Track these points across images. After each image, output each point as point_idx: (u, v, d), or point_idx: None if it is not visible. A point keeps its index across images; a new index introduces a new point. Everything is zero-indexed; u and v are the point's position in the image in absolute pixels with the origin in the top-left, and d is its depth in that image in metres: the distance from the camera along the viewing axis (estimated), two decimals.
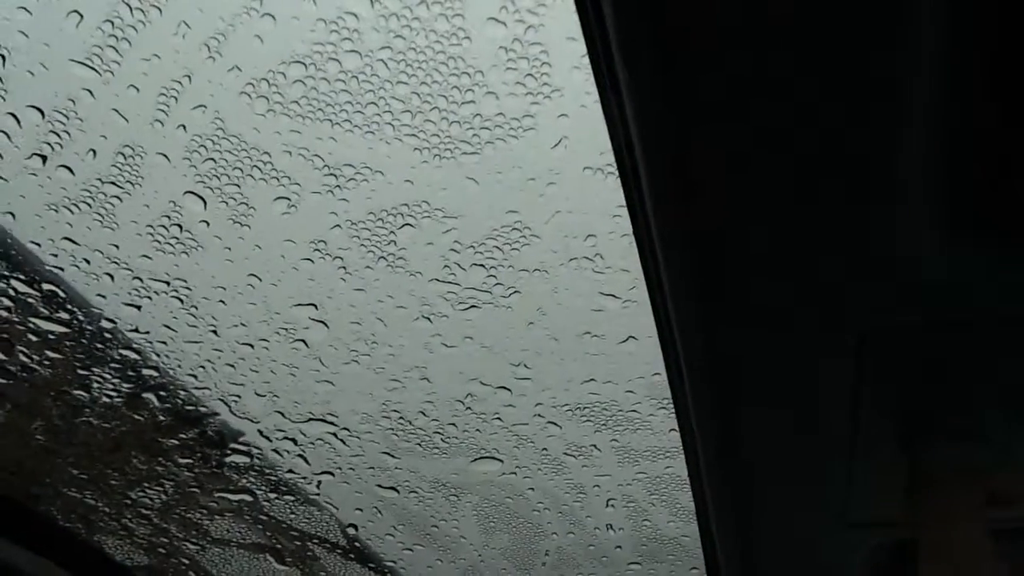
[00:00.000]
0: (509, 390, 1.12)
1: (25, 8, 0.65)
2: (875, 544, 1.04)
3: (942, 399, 0.81)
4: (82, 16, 0.66)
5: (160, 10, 0.65)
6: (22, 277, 0.91)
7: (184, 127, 0.75)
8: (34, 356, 1.02)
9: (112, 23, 0.66)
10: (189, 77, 0.71)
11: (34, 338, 0.99)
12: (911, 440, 0.85)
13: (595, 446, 1.24)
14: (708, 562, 1.50)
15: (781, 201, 0.64)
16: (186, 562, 1.53)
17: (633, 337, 1.02)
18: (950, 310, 0.72)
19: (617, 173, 0.77)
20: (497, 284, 0.94)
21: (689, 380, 0.82)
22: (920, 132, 0.59)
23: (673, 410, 1.15)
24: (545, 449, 1.25)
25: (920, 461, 0.85)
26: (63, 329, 0.99)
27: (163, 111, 0.73)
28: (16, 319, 0.97)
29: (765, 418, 0.85)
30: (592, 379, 1.10)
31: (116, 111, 0.73)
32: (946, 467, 0.84)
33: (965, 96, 0.58)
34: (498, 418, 1.18)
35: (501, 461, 1.27)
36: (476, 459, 1.27)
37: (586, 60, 0.68)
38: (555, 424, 1.19)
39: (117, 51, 0.68)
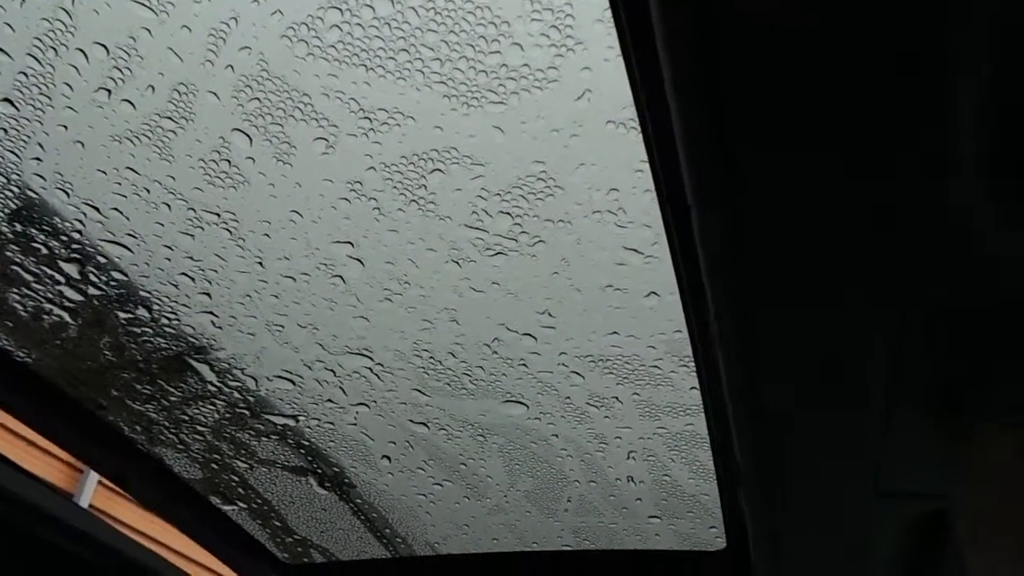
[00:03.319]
0: (534, 337, 1.16)
1: None
2: (907, 513, 1.03)
3: (981, 371, 0.80)
4: None
5: None
6: (91, 203, 0.99)
7: (232, 67, 0.80)
8: (102, 277, 1.12)
9: None
10: (236, 20, 0.76)
11: (102, 259, 1.09)
12: (947, 410, 0.84)
13: (617, 398, 1.27)
14: (728, 524, 1.53)
15: (829, 174, 0.63)
16: (236, 479, 1.66)
17: (655, 293, 1.04)
18: (996, 284, 0.71)
19: (639, 128, 0.79)
20: (523, 232, 0.97)
21: (723, 349, 0.82)
22: (976, 105, 0.58)
23: (694, 368, 1.17)
24: (568, 398, 1.29)
25: (956, 431, 0.84)
26: (127, 252, 1.08)
27: (212, 51, 0.79)
28: (87, 241, 1.06)
29: (799, 388, 0.85)
30: (615, 332, 1.13)
31: (171, 50, 0.79)
32: (982, 438, 0.83)
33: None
34: (523, 364, 1.23)
35: (526, 406, 1.32)
36: (503, 402, 1.32)
37: (609, 13, 0.70)
38: (578, 374, 1.23)
39: None
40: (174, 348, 1.27)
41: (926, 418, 0.85)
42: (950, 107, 0.58)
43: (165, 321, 1.20)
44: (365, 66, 0.78)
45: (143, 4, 0.74)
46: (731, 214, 0.69)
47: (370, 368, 1.27)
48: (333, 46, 0.77)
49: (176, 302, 1.17)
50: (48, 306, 1.16)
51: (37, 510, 1.40)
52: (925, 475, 0.93)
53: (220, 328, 1.22)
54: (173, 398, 1.40)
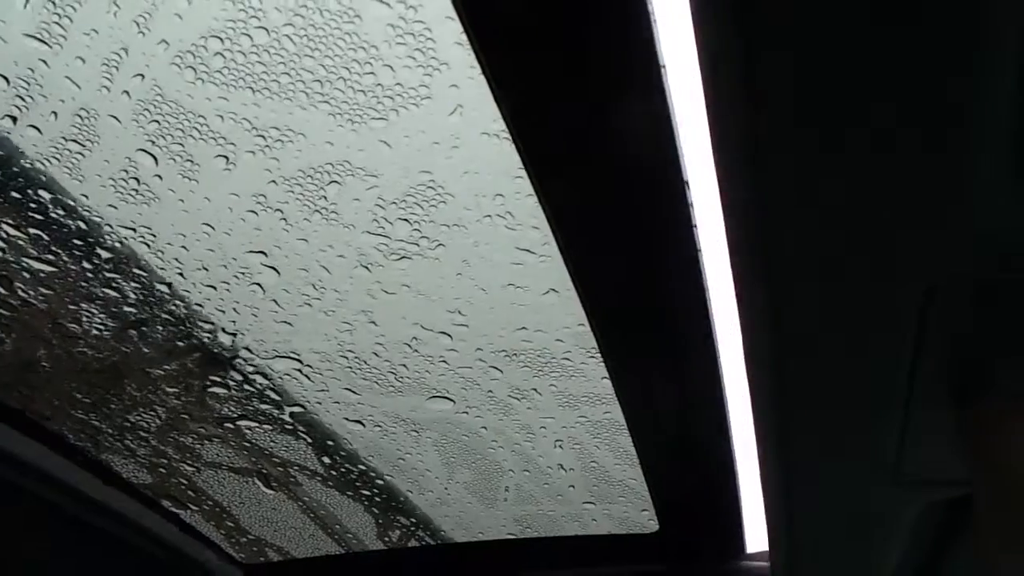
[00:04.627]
0: (449, 336, 1.23)
1: None
2: (929, 500, 1.02)
3: (1007, 353, 0.79)
4: None
5: None
6: (10, 222, 1.04)
7: (128, 93, 0.86)
8: (30, 292, 1.17)
9: (53, 3, 0.76)
10: (125, 50, 0.81)
11: (27, 275, 1.14)
12: (971, 393, 0.82)
13: (536, 390, 1.34)
14: (658, 506, 1.60)
15: (854, 149, 0.61)
16: (184, 482, 1.71)
17: (554, 290, 1.10)
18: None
19: (511, 139, 0.86)
20: (422, 237, 1.04)
21: (744, 330, 0.81)
22: (1006, 79, 0.56)
23: (602, 360, 1.24)
24: (491, 391, 1.35)
25: (980, 416, 0.82)
26: (52, 268, 1.13)
27: (108, 79, 0.84)
28: (11, 259, 1.11)
29: (819, 369, 0.82)
30: (523, 327, 1.19)
31: (69, 79, 0.84)
32: (1007, 422, 0.81)
33: None
34: (444, 361, 1.29)
35: (453, 401, 1.38)
36: (430, 398, 1.38)
37: (465, 37, 0.76)
38: (496, 368, 1.29)
39: (61, 26, 0.78)
40: (109, 358, 1.32)
41: (949, 403, 0.83)
42: (979, 80, 0.56)
43: (96, 333, 1.25)
44: (251, 88, 0.84)
45: (36, 38, 0.80)
46: (763, 201, 0.66)
47: (299, 370, 1.33)
48: (219, 71, 0.82)
49: (104, 314, 1.22)
50: None
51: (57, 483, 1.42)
52: (947, 461, 0.90)
53: (149, 339, 1.27)
54: (114, 406, 1.45)
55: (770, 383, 0.85)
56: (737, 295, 0.77)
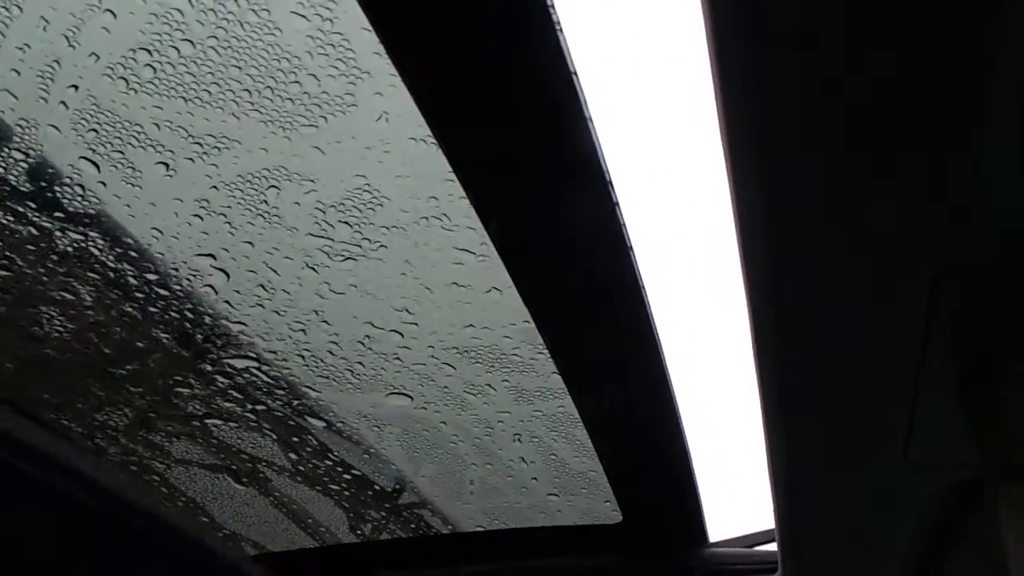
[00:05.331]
0: (401, 334, 1.26)
1: None
2: (937, 482, 1.03)
3: (1013, 338, 0.80)
4: None
5: (20, 8, 0.78)
6: None
7: (65, 103, 0.88)
8: None
9: None
10: (58, 62, 0.84)
11: None
12: (979, 380, 0.83)
13: (490, 385, 1.37)
14: (619, 498, 1.63)
15: (865, 140, 0.63)
16: (157, 479, 1.74)
17: (496, 289, 1.13)
18: None
19: (437, 143, 0.88)
20: (364, 239, 1.06)
21: (753, 322, 0.82)
22: (1011, 74, 0.57)
23: (550, 355, 1.27)
24: (446, 387, 1.38)
25: (987, 397, 0.83)
26: (7, 273, 1.15)
27: (44, 90, 0.87)
28: None
29: (828, 356, 0.84)
30: (471, 325, 1.22)
31: (7, 91, 0.87)
32: (1015, 404, 0.82)
33: None
34: (398, 358, 1.32)
35: (410, 397, 1.41)
36: (388, 394, 1.41)
37: (382, 47, 0.78)
38: (450, 365, 1.32)
39: None
40: (71, 360, 1.35)
41: (958, 385, 0.84)
42: (986, 72, 0.57)
43: (56, 335, 1.28)
44: (183, 98, 0.87)
45: None
46: (770, 192, 0.67)
47: (258, 368, 1.36)
48: (151, 82, 0.85)
49: (64, 316, 1.25)
50: None
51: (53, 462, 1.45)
52: (955, 443, 0.90)
53: (110, 339, 1.30)
54: (80, 405, 1.48)
55: (778, 376, 0.87)
56: (746, 291, 0.78)
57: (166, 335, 1.29)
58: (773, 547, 1.72)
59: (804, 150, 0.64)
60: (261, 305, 1.21)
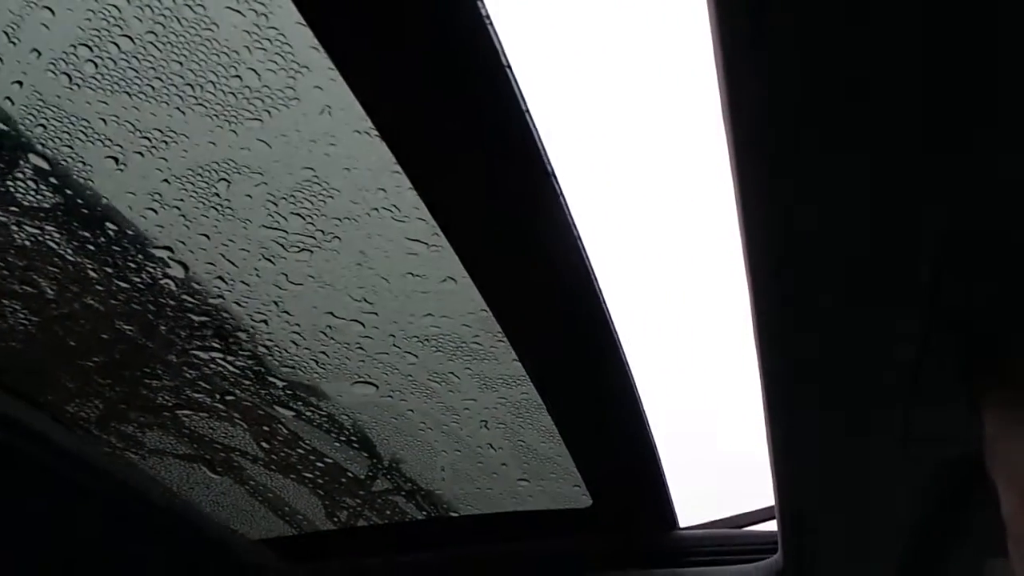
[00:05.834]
0: (361, 323, 1.27)
1: None
2: (938, 457, 1.03)
3: (1016, 318, 0.80)
4: None
5: None
6: None
7: (10, 99, 0.89)
8: None
9: None
10: (1, 59, 0.85)
11: None
12: (981, 350, 0.83)
13: (453, 373, 1.39)
14: (588, 482, 1.66)
15: (865, 140, 0.63)
16: (131, 469, 1.76)
17: (451, 278, 1.14)
18: None
19: (380, 136, 0.90)
20: (317, 230, 1.08)
21: (755, 305, 0.83)
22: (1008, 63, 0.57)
23: (509, 343, 1.29)
24: (410, 375, 1.40)
25: (989, 371, 0.83)
26: None
27: None
28: None
29: (826, 331, 0.84)
30: (429, 314, 1.24)
31: None
32: (1017, 377, 0.82)
33: None
34: (360, 347, 1.34)
35: (376, 386, 1.43)
36: (353, 383, 1.43)
37: (317, 41, 0.79)
38: (412, 353, 1.34)
39: None
40: (38, 353, 1.36)
41: (959, 359, 0.83)
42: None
43: (22, 328, 1.30)
44: (127, 93, 0.88)
45: None
46: (771, 161, 0.67)
47: (223, 359, 1.37)
48: (93, 76, 0.86)
49: (28, 309, 1.26)
50: None
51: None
52: (956, 418, 0.89)
53: (77, 330, 1.31)
54: (51, 397, 1.50)
55: (780, 360, 0.87)
56: (749, 276, 0.78)
57: (130, 328, 1.31)
58: (766, 527, 1.75)
59: (804, 150, 0.65)
60: (222, 296, 1.22)
